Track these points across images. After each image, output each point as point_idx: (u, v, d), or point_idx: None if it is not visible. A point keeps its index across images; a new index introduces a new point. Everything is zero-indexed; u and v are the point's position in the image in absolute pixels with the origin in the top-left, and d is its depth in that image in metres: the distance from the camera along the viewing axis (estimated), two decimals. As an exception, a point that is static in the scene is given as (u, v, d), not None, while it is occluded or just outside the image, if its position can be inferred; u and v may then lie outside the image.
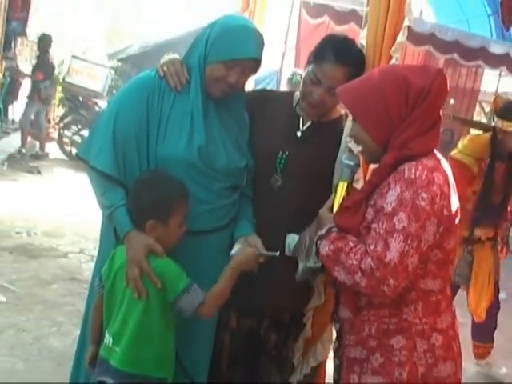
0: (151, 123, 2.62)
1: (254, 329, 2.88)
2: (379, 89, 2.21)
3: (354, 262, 2.11)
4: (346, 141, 2.76)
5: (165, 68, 2.68)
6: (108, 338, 2.46)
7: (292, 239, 2.67)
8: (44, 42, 12.57)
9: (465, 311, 5.39)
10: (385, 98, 2.19)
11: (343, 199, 2.37)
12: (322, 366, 3.07)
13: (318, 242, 2.29)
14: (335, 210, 2.37)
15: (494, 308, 5.22)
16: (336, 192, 2.41)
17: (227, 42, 2.59)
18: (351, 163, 2.42)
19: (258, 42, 2.64)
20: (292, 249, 2.66)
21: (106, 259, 2.57)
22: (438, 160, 2.22)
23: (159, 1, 32.72)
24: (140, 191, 2.51)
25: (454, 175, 2.26)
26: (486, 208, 4.84)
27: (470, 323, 5.37)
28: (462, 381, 2.39)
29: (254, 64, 2.65)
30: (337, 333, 2.49)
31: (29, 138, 12.64)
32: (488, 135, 4.92)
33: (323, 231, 2.30)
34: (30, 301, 5.12)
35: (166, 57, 2.75)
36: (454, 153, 4.86)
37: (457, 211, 2.21)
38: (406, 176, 2.12)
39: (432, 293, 2.23)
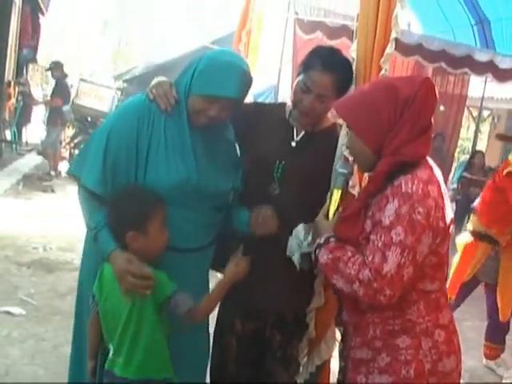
0: (140, 148, 2.58)
1: (258, 330, 2.87)
2: (371, 97, 2.24)
3: (353, 272, 2.12)
4: (342, 149, 2.77)
5: (154, 91, 2.64)
6: (111, 351, 2.47)
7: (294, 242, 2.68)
8: (57, 68, 12.60)
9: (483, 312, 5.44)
10: (376, 106, 2.22)
11: (338, 206, 2.40)
12: (326, 364, 3.06)
13: (317, 251, 2.30)
14: (330, 217, 2.39)
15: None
16: (331, 199, 2.43)
17: (209, 78, 2.54)
18: (345, 171, 2.44)
19: (241, 81, 2.56)
20: (293, 251, 2.67)
21: (90, 276, 2.58)
22: (431, 168, 2.24)
23: (162, 23, 32.86)
24: (115, 206, 2.50)
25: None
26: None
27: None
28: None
29: (234, 103, 2.58)
30: (341, 335, 2.49)
31: (42, 159, 12.69)
32: None
33: (322, 240, 2.31)
34: (48, 312, 5.15)
35: (155, 80, 2.72)
36: None
37: (451, 220, 2.22)
38: (403, 190, 2.13)
39: (431, 292, 2.25)
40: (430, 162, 2.28)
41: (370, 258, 2.10)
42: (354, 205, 2.32)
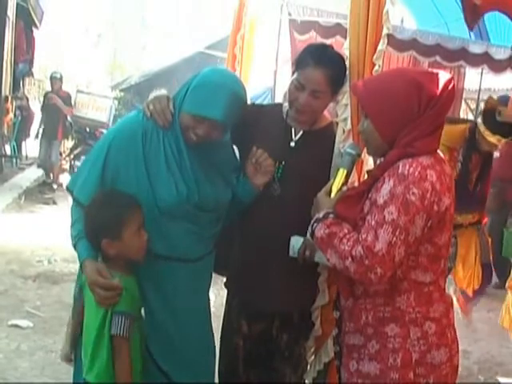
0: (139, 165, 2.58)
1: (265, 331, 2.88)
2: (393, 90, 2.24)
3: (346, 247, 2.15)
4: (340, 147, 2.79)
5: (151, 107, 2.64)
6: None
7: (296, 241, 2.70)
8: (59, 79, 12.63)
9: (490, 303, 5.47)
10: (397, 98, 2.22)
11: (341, 186, 2.42)
12: (333, 361, 3.06)
13: (314, 225, 2.32)
14: (333, 195, 2.41)
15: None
16: (335, 178, 2.45)
17: (197, 97, 2.55)
18: (353, 152, 2.46)
19: (228, 103, 2.54)
20: (296, 250, 2.68)
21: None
22: (438, 160, 2.24)
23: (156, 30, 32.90)
24: (89, 214, 2.49)
25: None
26: (462, 195, 4.87)
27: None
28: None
29: (220, 124, 2.58)
30: (336, 320, 2.50)
31: (43, 172, 12.72)
32: (464, 126, 4.95)
33: (320, 215, 2.33)
34: (55, 324, 5.17)
35: (153, 93, 2.71)
36: None
37: (448, 209, 2.22)
38: (399, 171, 2.15)
39: (423, 284, 2.25)
40: (441, 155, 2.30)
41: (363, 236, 2.13)
42: (359, 187, 2.37)
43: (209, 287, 2.85)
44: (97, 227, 2.45)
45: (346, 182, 2.46)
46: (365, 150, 2.55)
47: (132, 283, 2.50)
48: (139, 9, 33.42)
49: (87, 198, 2.54)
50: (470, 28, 5.37)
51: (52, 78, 12.71)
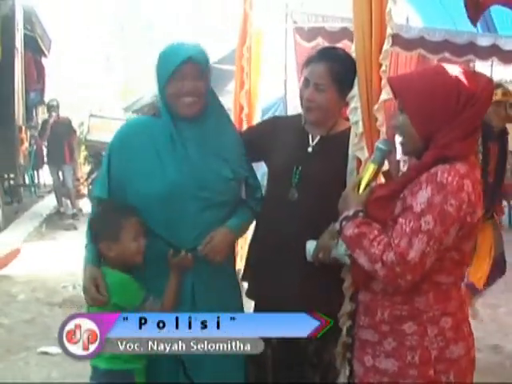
0: (136, 161, 2.76)
1: (292, 338, 2.87)
2: (432, 86, 2.22)
3: (377, 251, 2.14)
4: (353, 150, 2.79)
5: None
6: None
7: (311, 245, 2.69)
8: (53, 108, 12.76)
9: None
10: (436, 96, 2.20)
11: (370, 181, 2.39)
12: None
13: (343, 222, 2.31)
14: (361, 190, 2.38)
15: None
16: (364, 173, 2.42)
17: (164, 61, 2.72)
18: (384, 148, 2.43)
19: (188, 46, 2.73)
20: (312, 254, 2.68)
21: None
22: (472, 166, 2.23)
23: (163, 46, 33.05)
24: (92, 221, 2.80)
25: None
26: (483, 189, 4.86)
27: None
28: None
29: (197, 66, 2.70)
30: (351, 313, 2.51)
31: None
32: None
33: (350, 212, 2.30)
34: (84, 349, 5.16)
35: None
36: None
37: (479, 219, 2.22)
38: (438, 180, 2.13)
39: (443, 284, 2.25)
40: (473, 160, 2.28)
41: (396, 241, 2.12)
42: (391, 186, 2.34)
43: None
44: (97, 232, 2.73)
45: (375, 178, 2.44)
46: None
47: (127, 281, 2.68)
48: (147, 28, 33.66)
49: (101, 191, 2.80)
50: (474, 24, 5.36)
51: (49, 107, 12.83)
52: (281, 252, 2.84)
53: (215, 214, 2.77)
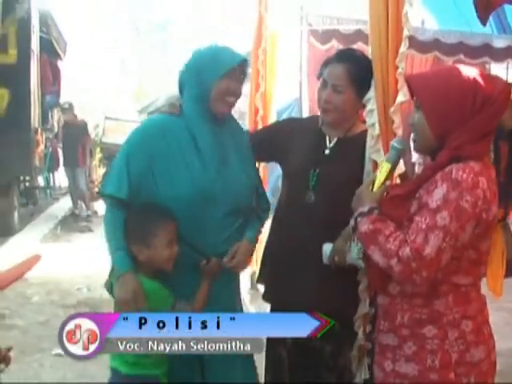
0: (161, 162, 2.70)
1: (308, 342, 2.86)
2: (449, 85, 2.22)
3: (393, 247, 2.13)
4: (370, 152, 2.78)
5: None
6: None
7: (328, 248, 2.68)
8: (65, 111, 12.83)
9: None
10: (453, 95, 2.20)
11: (385, 180, 2.38)
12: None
13: (358, 218, 2.29)
14: (375, 189, 2.37)
15: None
16: (379, 172, 2.41)
17: (214, 59, 2.71)
18: (399, 147, 2.41)
19: (232, 49, 2.77)
20: (328, 257, 2.67)
21: None
22: (486, 165, 2.23)
23: (179, 50, 33.15)
24: (127, 222, 2.66)
25: None
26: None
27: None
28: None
29: (244, 70, 2.78)
30: (372, 317, 2.50)
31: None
32: None
33: (365, 209, 2.29)
34: (99, 350, 5.16)
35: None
36: None
37: (494, 217, 2.22)
38: (453, 177, 2.13)
39: (462, 286, 2.24)
40: (486, 161, 2.28)
41: (412, 237, 2.11)
42: (407, 186, 2.33)
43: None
44: (130, 234, 2.63)
45: (389, 177, 2.42)
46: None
47: (154, 287, 2.62)
48: (161, 30, 33.78)
49: (115, 189, 2.68)
50: (484, 23, 5.32)
51: (62, 110, 12.90)
52: (297, 255, 2.84)
53: (236, 220, 2.77)
